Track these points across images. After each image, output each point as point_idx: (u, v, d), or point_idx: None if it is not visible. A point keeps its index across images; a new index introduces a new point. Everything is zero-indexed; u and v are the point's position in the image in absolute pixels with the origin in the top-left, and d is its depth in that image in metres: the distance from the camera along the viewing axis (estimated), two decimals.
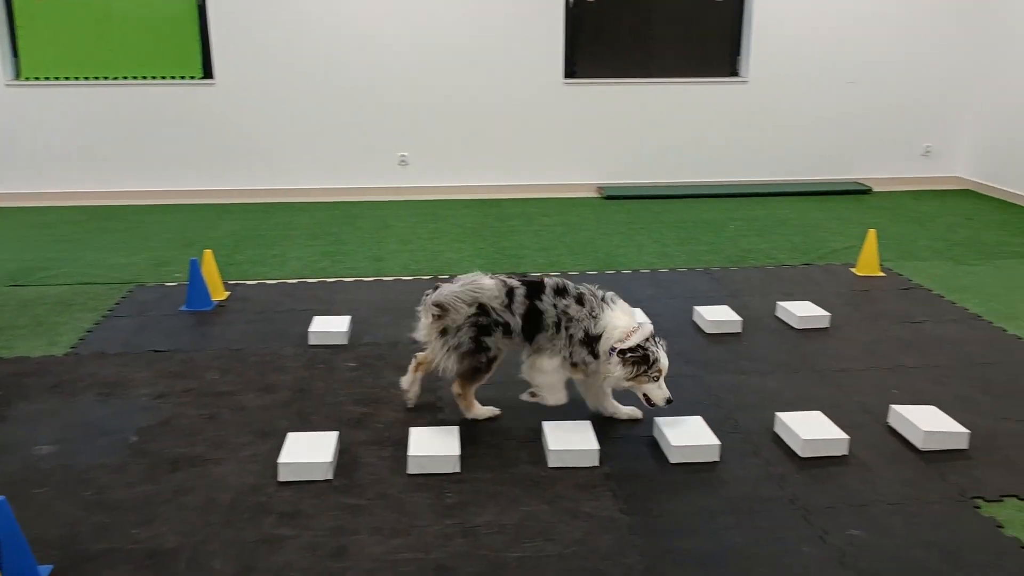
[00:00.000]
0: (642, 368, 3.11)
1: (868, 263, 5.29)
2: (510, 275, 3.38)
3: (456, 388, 3.34)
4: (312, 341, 4.14)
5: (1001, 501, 2.83)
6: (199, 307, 4.63)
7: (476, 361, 3.23)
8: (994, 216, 6.86)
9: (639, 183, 7.77)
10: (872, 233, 5.31)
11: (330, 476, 2.96)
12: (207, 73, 7.26)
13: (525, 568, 2.49)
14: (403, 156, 7.54)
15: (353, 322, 4.36)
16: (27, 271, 5.36)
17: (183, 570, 2.49)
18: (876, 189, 7.85)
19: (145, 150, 7.33)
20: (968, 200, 7.48)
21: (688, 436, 3.13)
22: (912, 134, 7.98)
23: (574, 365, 3.23)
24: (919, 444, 3.16)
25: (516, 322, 3.21)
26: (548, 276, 3.36)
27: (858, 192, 7.74)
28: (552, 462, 3.05)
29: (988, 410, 3.46)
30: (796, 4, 7.54)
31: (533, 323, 3.22)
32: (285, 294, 4.91)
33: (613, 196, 7.47)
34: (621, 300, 3.29)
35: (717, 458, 3.09)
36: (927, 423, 3.20)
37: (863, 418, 3.39)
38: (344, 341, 4.15)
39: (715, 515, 2.76)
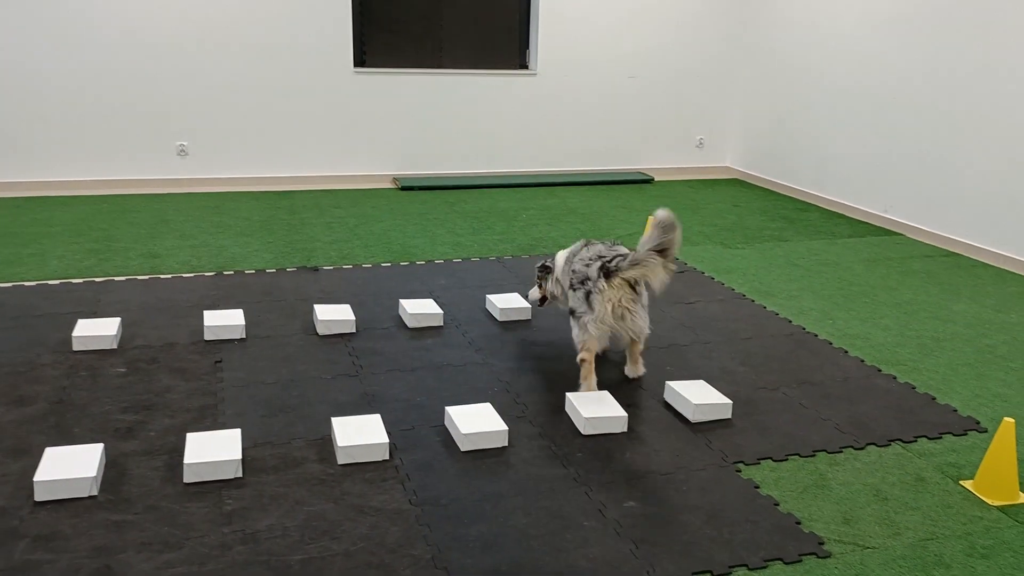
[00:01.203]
0: None
1: None
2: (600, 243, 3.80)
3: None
4: (76, 347, 3.79)
5: (758, 464, 3.09)
6: None
7: None
8: (757, 203, 7.50)
9: (434, 174, 7.79)
10: (651, 220, 5.62)
11: (94, 492, 2.72)
12: None
13: (309, 570, 2.41)
14: (182, 145, 7.09)
15: (123, 324, 4.04)
16: None
17: None
18: (657, 179, 8.35)
19: None
20: (735, 188, 8.13)
21: (477, 423, 3.17)
22: (687, 127, 8.56)
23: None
24: (690, 416, 3.39)
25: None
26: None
27: (641, 182, 8.19)
28: (341, 459, 2.98)
29: (747, 380, 3.78)
30: None
31: None
32: (44, 297, 4.46)
33: (408, 187, 7.43)
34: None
35: (506, 443, 3.15)
36: (697, 396, 3.43)
37: (642, 395, 3.59)
38: (113, 345, 3.83)
39: (503, 499, 2.80)
